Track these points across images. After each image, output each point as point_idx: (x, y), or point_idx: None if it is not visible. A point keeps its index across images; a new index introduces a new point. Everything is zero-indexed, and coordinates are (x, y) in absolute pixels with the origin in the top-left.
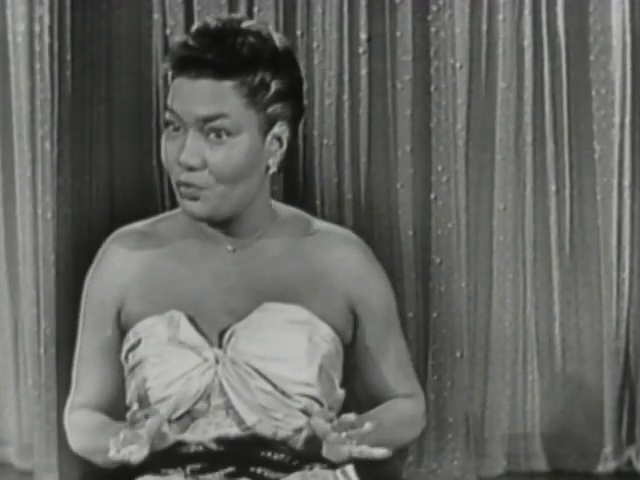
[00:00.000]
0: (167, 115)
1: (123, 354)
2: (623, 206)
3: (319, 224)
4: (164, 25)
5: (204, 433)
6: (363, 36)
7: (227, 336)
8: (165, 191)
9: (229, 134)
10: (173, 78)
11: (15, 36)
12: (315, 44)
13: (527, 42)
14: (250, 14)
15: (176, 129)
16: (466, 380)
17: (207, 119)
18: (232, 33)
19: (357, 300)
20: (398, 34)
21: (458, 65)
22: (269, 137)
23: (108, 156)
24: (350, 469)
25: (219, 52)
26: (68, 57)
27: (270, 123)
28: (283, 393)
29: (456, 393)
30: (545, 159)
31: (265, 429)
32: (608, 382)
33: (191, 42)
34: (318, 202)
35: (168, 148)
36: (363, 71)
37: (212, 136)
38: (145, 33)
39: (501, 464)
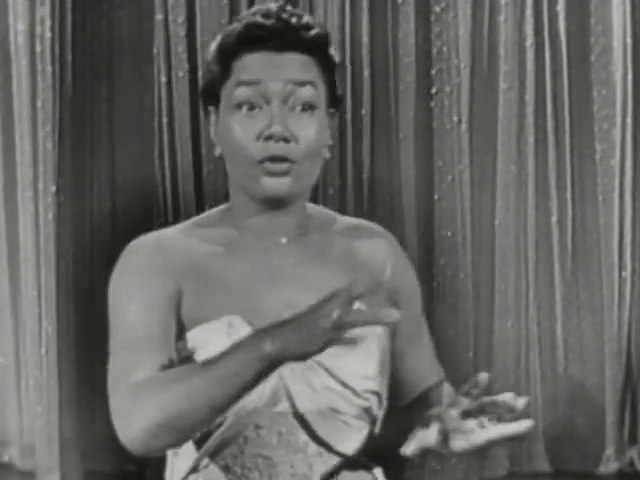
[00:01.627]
0: (241, 91)
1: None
2: (624, 207)
3: (348, 219)
4: (166, 26)
5: (265, 445)
6: (365, 37)
7: None
8: (167, 191)
9: (312, 107)
10: (239, 57)
11: (16, 37)
12: None
13: (529, 43)
14: None
15: (251, 108)
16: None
17: (298, 83)
18: (293, 12)
19: (396, 290)
20: (400, 35)
21: (462, 66)
22: (329, 123)
23: (109, 156)
24: (379, 472)
25: (295, 26)
26: (69, 58)
27: (331, 106)
28: (352, 391)
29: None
30: (547, 160)
31: (328, 433)
32: (610, 383)
33: (263, 20)
34: (321, 204)
35: (243, 126)
36: (366, 72)
37: (297, 109)
38: (147, 34)
39: (503, 465)
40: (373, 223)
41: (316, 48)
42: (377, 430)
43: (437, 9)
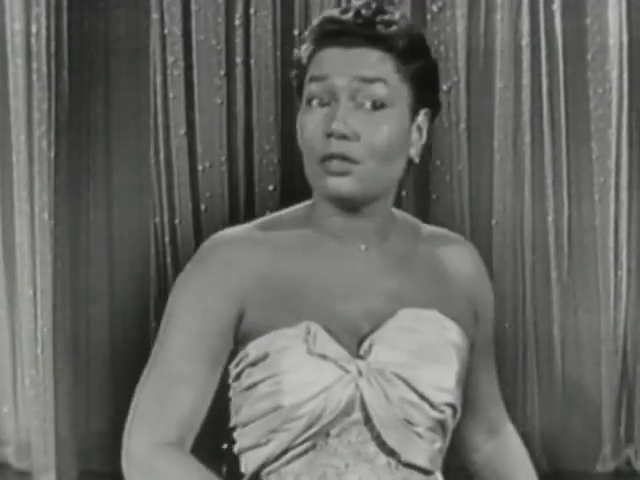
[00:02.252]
0: (312, 87)
1: (237, 370)
2: (620, 206)
3: (428, 226)
4: (162, 25)
5: (335, 454)
6: None
7: (366, 346)
8: (163, 190)
9: (383, 106)
10: (316, 52)
11: (12, 36)
12: None
13: (525, 42)
14: (247, 14)
15: (320, 104)
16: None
17: (366, 80)
18: (380, 8)
19: (476, 300)
20: None
21: (459, 65)
22: (414, 124)
23: (105, 156)
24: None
25: (371, 21)
26: (65, 57)
27: (417, 106)
28: (429, 403)
29: None
30: (543, 159)
31: (399, 444)
32: (606, 382)
33: (339, 15)
34: None
35: (312, 122)
36: None
37: (365, 107)
38: (143, 33)
39: None
40: (456, 233)
41: (393, 44)
42: (447, 442)
43: (434, 8)
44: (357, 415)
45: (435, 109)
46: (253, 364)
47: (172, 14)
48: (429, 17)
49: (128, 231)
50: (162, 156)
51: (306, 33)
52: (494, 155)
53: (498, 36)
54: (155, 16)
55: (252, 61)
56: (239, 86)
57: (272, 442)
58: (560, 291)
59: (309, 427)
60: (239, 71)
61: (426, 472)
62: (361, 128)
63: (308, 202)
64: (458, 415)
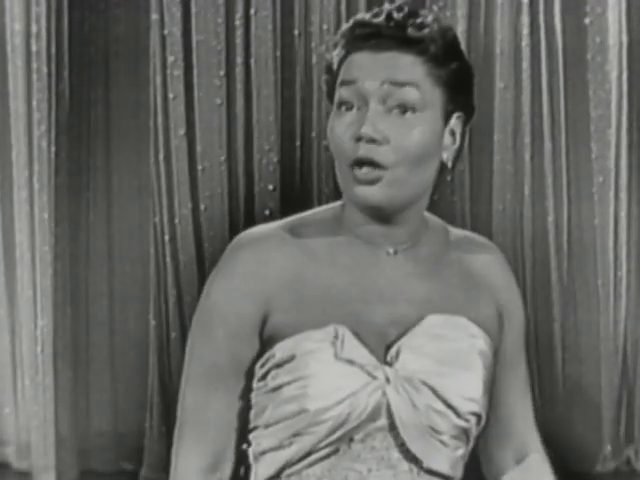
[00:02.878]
0: (342, 91)
1: (262, 372)
2: (620, 206)
3: (457, 231)
4: (162, 25)
5: (358, 458)
6: None
7: (394, 352)
8: (162, 189)
9: (414, 110)
10: (346, 56)
11: (12, 36)
12: (313, 44)
13: (525, 42)
14: (247, 15)
15: (350, 108)
16: None
17: (397, 83)
18: (412, 11)
19: (503, 307)
20: None
21: None
22: (447, 129)
23: (105, 156)
24: None
25: (402, 24)
26: (65, 57)
27: (451, 109)
28: (455, 411)
29: None
30: (543, 160)
31: (422, 450)
32: (606, 382)
33: (370, 18)
34: (316, 203)
35: (341, 127)
36: None
37: (395, 111)
38: (143, 33)
39: None
40: (484, 237)
41: (425, 48)
42: (470, 448)
43: (434, 8)
44: (382, 422)
45: (469, 113)
46: (279, 365)
47: (172, 14)
48: None
49: (128, 231)
50: (162, 156)
51: (337, 37)
52: (494, 155)
53: (498, 36)
54: (155, 16)
55: (252, 61)
56: (239, 86)
57: (295, 445)
58: (560, 291)
59: (333, 432)
60: (239, 71)
61: (447, 478)
62: (391, 132)
63: (338, 203)
64: (482, 423)
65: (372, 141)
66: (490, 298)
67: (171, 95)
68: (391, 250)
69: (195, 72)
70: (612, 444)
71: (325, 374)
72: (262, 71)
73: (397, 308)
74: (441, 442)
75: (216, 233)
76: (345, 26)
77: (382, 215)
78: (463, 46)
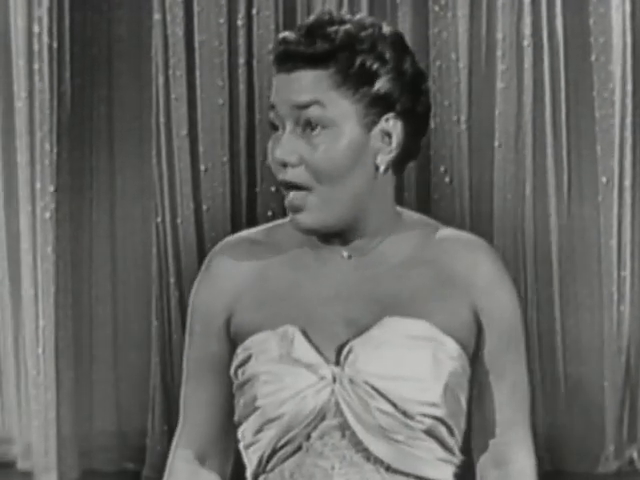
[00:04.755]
0: (270, 115)
1: (232, 369)
2: (623, 206)
3: (447, 231)
4: (164, 26)
5: (321, 456)
6: None
7: (345, 352)
8: (165, 190)
9: (324, 127)
10: (273, 78)
11: (15, 36)
12: None
13: (527, 42)
14: (249, 15)
15: (277, 128)
16: None
17: (301, 106)
18: (328, 23)
19: (482, 311)
20: None
21: (461, 65)
22: (375, 132)
23: (108, 156)
24: None
25: (311, 41)
26: (67, 57)
27: (375, 116)
28: (405, 414)
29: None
30: (545, 160)
31: (384, 452)
32: (609, 382)
33: (287, 36)
34: None
35: (269, 149)
36: None
37: (308, 130)
38: (145, 33)
39: None
40: (477, 237)
41: (329, 61)
42: (456, 453)
43: (436, 8)
44: (333, 422)
45: (406, 112)
46: (241, 365)
47: (174, 15)
48: (431, 17)
49: (130, 231)
50: (164, 156)
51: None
52: (495, 155)
53: (500, 36)
54: (157, 17)
55: (254, 62)
56: (241, 87)
57: (261, 442)
58: (562, 291)
59: (288, 429)
60: (241, 72)
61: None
62: (305, 152)
63: None
64: (457, 432)
65: (283, 164)
66: (466, 300)
67: (173, 95)
68: (345, 254)
69: (197, 73)
70: (615, 444)
71: (272, 374)
72: (264, 72)
73: (352, 308)
74: (402, 443)
75: (218, 234)
76: (275, 41)
77: (324, 235)
78: (464, 46)
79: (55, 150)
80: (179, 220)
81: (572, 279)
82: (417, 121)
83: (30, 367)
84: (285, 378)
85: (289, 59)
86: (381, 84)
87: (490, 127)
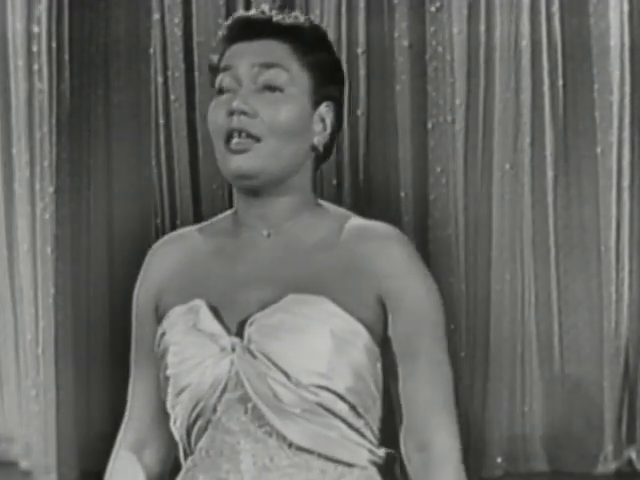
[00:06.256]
0: (221, 78)
1: (155, 347)
2: (622, 207)
3: (360, 220)
4: (162, 26)
5: (228, 431)
6: (361, 37)
7: (247, 326)
8: (164, 190)
9: (282, 90)
10: (226, 49)
11: (14, 37)
12: None
13: (525, 43)
14: None
15: (228, 92)
16: (466, 380)
17: (266, 65)
18: (284, 7)
19: (387, 295)
20: (396, 35)
21: (457, 65)
22: (315, 115)
23: (107, 156)
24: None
25: (275, 17)
26: (66, 57)
27: (319, 97)
28: (298, 385)
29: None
30: (543, 160)
31: (284, 426)
32: (608, 382)
33: (247, 13)
34: None
35: (217, 107)
36: (362, 72)
37: (267, 92)
38: (144, 33)
39: (501, 465)
40: (391, 227)
41: (293, 35)
42: (365, 433)
43: (432, 9)
44: (237, 393)
45: (338, 104)
46: (159, 343)
47: (173, 15)
48: (428, 18)
49: (129, 232)
50: (163, 157)
51: (219, 36)
52: (494, 155)
53: (498, 37)
54: (156, 17)
55: None
56: None
57: (177, 415)
58: (560, 291)
59: (196, 400)
60: None
61: (342, 463)
62: (261, 108)
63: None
64: (363, 405)
65: (243, 113)
66: (371, 284)
67: (172, 96)
68: (265, 232)
69: (196, 73)
70: (614, 445)
71: (179, 344)
72: None
73: (265, 288)
74: (300, 417)
75: None
76: (225, 23)
77: (256, 190)
78: (461, 46)
79: (54, 151)
80: (178, 221)
81: (571, 279)
82: (340, 115)
83: (30, 367)
84: (190, 348)
85: (253, 29)
86: (328, 70)
87: (488, 127)
